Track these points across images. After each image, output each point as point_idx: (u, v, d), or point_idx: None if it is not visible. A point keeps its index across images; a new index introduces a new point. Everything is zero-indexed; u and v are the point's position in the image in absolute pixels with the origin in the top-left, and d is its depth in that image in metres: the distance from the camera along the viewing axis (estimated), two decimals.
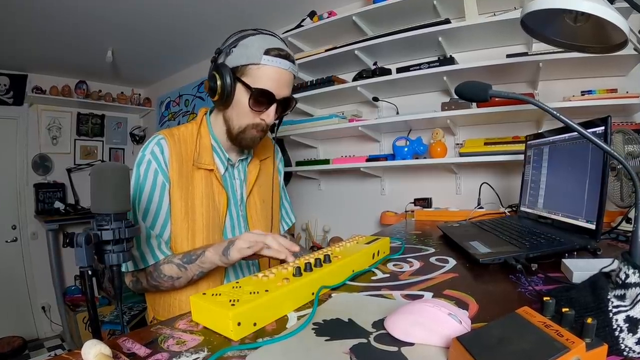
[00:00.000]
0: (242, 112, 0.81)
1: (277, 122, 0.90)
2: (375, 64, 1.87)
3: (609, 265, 0.49)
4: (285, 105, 0.85)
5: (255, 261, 0.94)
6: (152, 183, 0.80)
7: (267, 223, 0.97)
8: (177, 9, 2.14)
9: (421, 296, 0.56)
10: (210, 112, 0.92)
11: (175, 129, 0.86)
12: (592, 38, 0.81)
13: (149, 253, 0.79)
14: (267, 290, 0.50)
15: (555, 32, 0.84)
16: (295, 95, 2.09)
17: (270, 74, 0.78)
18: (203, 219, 0.84)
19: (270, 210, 0.98)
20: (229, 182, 0.90)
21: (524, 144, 1.15)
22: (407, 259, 0.80)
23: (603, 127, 0.76)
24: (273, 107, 0.81)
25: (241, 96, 0.79)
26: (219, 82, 0.78)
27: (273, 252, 0.68)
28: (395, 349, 0.40)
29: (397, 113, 1.86)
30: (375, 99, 1.88)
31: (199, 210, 0.83)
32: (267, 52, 0.77)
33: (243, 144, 0.86)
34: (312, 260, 0.61)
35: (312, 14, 1.99)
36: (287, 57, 0.79)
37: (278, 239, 0.69)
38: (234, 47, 0.79)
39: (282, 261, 0.67)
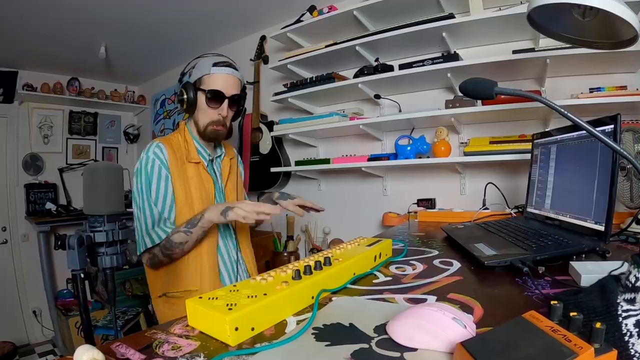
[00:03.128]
0: (203, 111, 1.07)
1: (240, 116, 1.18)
2: (377, 60, 1.85)
3: (618, 268, 0.49)
4: (237, 102, 1.10)
5: (242, 264, 1.15)
6: (157, 176, 1.02)
7: None
8: (173, 4, 2.10)
9: (424, 300, 0.56)
10: (187, 121, 1.17)
11: (166, 137, 1.11)
12: (601, 33, 0.80)
13: (161, 231, 1.00)
14: (265, 294, 0.49)
15: (563, 27, 0.82)
16: (294, 93, 2.11)
17: (218, 79, 1.05)
18: (200, 200, 1.06)
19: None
20: (211, 173, 1.14)
21: (531, 143, 1.14)
22: (410, 262, 0.79)
23: (612, 126, 0.75)
24: (225, 103, 1.06)
25: (202, 100, 1.06)
26: (184, 95, 1.05)
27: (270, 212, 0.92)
28: (397, 354, 0.39)
29: (400, 111, 1.84)
30: (377, 97, 1.87)
31: (195, 194, 1.06)
32: (215, 64, 1.05)
33: (210, 137, 1.10)
34: (312, 263, 0.60)
35: (311, 9, 1.97)
36: (230, 65, 1.07)
37: (266, 204, 0.94)
38: (192, 68, 1.08)
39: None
